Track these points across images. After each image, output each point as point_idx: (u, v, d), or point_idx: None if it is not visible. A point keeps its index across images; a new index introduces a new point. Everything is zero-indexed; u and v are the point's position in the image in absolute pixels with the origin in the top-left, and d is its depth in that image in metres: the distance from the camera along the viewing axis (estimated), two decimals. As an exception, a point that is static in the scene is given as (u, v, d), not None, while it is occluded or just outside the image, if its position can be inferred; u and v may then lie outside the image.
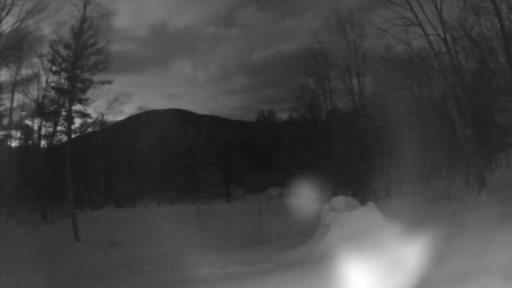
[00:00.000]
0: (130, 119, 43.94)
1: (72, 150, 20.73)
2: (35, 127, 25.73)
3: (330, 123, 28.78)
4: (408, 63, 22.05)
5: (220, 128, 38.40)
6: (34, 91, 24.03)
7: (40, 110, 24.52)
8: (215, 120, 45.91)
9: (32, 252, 12.71)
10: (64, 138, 24.10)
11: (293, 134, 31.29)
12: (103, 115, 25.45)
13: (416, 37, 18.83)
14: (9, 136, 24.93)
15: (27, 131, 26.61)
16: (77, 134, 25.79)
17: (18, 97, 23.41)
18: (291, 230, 15.96)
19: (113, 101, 24.04)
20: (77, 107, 24.09)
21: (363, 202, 13.30)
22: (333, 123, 28.24)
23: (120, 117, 30.40)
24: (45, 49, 22.51)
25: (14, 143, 26.60)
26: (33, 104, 24.26)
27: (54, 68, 24.04)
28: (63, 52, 23.11)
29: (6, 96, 22.47)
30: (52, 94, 24.52)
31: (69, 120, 22.31)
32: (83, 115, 25.20)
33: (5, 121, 23.29)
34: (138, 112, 49.84)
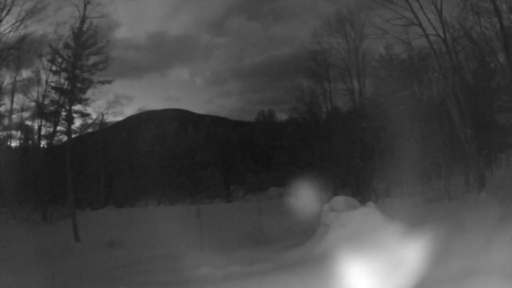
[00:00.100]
0: (130, 119, 43.87)
1: (72, 150, 20.75)
2: (35, 127, 25.75)
3: (330, 123, 28.77)
4: (408, 63, 22.08)
5: (220, 128, 38.35)
6: (34, 91, 24.08)
7: (40, 110, 24.51)
8: (215, 120, 45.86)
9: (32, 252, 12.69)
10: (64, 138, 24.11)
11: (293, 134, 31.25)
12: (103, 115, 25.48)
13: (416, 37, 18.90)
14: (9, 136, 24.94)
15: (27, 131, 26.60)
16: (77, 134, 25.79)
17: (18, 97, 23.47)
18: (291, 230, 15.96)
19: (113, 101, 24.08)
20: (77, 107, 24.13)
21: (363, 202, 13.28)
22: (333, 123, 28.24)
23: (120, 117, 30.34)
24: (45, 49, 22.51)
25: (14, 143, 26.63)
26: (33, 104, 24.29)
27: (54, 68, 24.04)
28: (63, 52, 23.12)
29: (6, 96, 22.49)
30: (52, 94, 24.55)
31: (69, 120, 22.32)
32: (83, 115, 25.23)
33: (5, 121, 23.31)
34: (138, 112, 49.80)
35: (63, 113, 24.19)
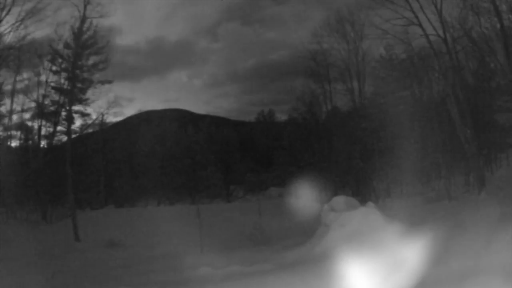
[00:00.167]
0: (130, 119, 43.83)
1: (72, 150, 20.74)
2: (35, 127, 25.73)
3: (330, 123, 28.77)
4: (408, 63, 22.08)
5: (220, 128, 38.33)
6: (34, 91, 24.07)
7: (40, 110, 24.51)
8: (215, 120, 45.80)
9: (32, 252, 12.72)
10: (64, 138, 24.09)
11: (293, 134, 31.24)
12: (103, 115, 25.47)
13: (416, 37, 18.91)
14: (9, 136, 24.93)
15: (27, 131, 26.57)
16: (77, 134, 25.78)
17: (18, 97, 23.45)
18: (291, 230, 15.97)
19: (113, 101, 24.07)
20: (77, 107, 24.14)
21: (363, 202, 13.28)
22: (333, 123, 28.23)
23: (120, 117, 30.28)
24: (45, 49, 22.48)
25: (14, 143, 26.60)
26: (33, 104, 24.28)
27: (54, 68, 24.03)
28: (63, 52, 23.13)
29: (6, 96, 22.48)
30: (52, 94, 24.54)
31: (69, 120, 22.33)
32: (83, 115, 25.23)
33: (5, 121, 23.30)
34: (138, 112, 49.78)
35: (63, 113, 24.21)
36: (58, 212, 22.70)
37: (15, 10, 18.15)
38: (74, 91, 22.39)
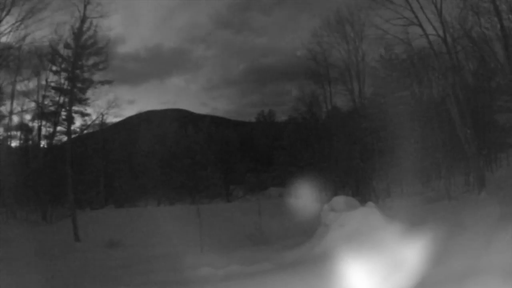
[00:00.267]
0: (130, 119, 43.86)
1: (72, 150, 20.74)
2: (35, 127, 25.73)
3: (330, 123, 28.78)
4: (408, 63, 22.07)
5: (220, 128, 38.38)
6: (34, 91, 24.07)
7: (40, 110, 24.52)
8: (215, 120, 45.87)
9: (32, 252, 12.71)
10: (64, 138, 24.11)
11: (293, 134, 31.26)
12: (103, 115, 25.47)
13: (416, 37, 18.87)
14: (9, 136, 24.93)
15: (27, 131, 26.59)
16: (77, 134, 25.77)
17: (18, 97, 23.45)
18: (291, 230, 15.98)
19: (113, 101, 24.06)
20: (77, 107, 24.14)
21: (363, 202, 13.27)
22: (333, 123, 28.25)
23: (120, 117, 30.31)
24: (45, 49, 22.48)
25: (14, 143, 26.61)
26: (33, 104, 24.28)
27: (54, 68, 24.06)
28: (63, 52, 23.14)
29: (6, 96, 22.47)
30: (52, 94, 24.54)
31: (69, 120, 22.33)
32: (83, 115, 25.24)
33: (5, 121, 23.30)
34: (138, 112, 49.93)
35: (63, 113, 24.21)
36: (58, 212, 22.71)
37: (15, 10, 18.18)
38: (74, 91, 22.39)
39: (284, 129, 34.05)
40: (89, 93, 23.63)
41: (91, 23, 21.07)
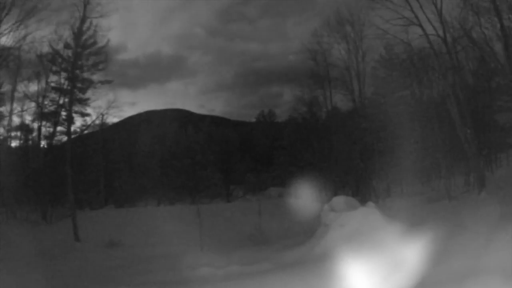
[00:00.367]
0: (130, 119, 43.85)
1: (72, 150, 20.73)
2: (35, 127, 25.72)
3: (330, 123, 28.76)
4: (408, 63, 22.05)
5: (220, 128, 38.39)
6: (34, 91, 24.05)
7: (40, 110, 24.50)
8: (215, 120, 45.90)
9: (32, 252, 12.70)
10: (64, 138, 24.07)
11: (293, 134, 31.25)
12: (103, 115, 25.46)
13: (416, 37, 18.85)
14: (9, 136, 24.91)
15: (27, 131, 26.58)
16: (77, 134, 25.77)
17: (18, 97, 23.43)
18: (291, 230, 15.98)
19: (113, 101, 24.04)
20: (77, 107, 24.12)
21: (363, 202, 13.30)
22: (333, 123, 28.22)
23: (120, 118, 30.31)
24: (45, 49, 22.47)
25: (14, 143, 26.60)
26: (33, 104, 24.26)
27: (54, 68, 24.00)
28: (63, 52, 23.10)
29: (6, 96, 22.46)
30: (52, 94, 24.52)
31: (69, 120, 22.31)
32: (83, 115, 25.22)
33: (5, 121, 23.29)
34: (138, 112, 49.92)
35: (63, 113, 24.18)
36: (58, 212, 22.69)
37: (15, 10, 18.14)
38: (74, 91, 22.37)
39: (284, 129, 34.04)
40: (89, 93, 23.60)
41: (91, 23, 21.08)
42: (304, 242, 11.19)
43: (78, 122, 25.30)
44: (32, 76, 23.38)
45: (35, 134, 25.97)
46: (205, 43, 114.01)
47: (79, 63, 22.05)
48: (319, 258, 8.71)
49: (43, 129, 25.24)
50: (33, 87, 23.91)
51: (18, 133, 26.33)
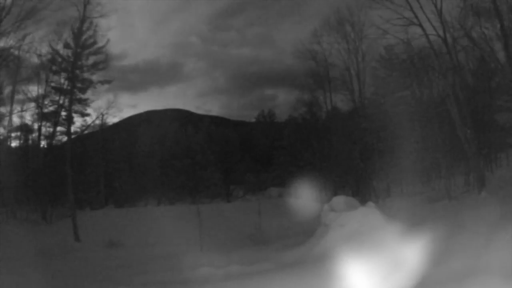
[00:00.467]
0: (130, 119, 43.89)
1: (72, 150, 20.75)
2: (35, 127, 25.73)
3: (330, 123, 28.76)
4: (408, 63, 22.03)
5: (220, 128, 38.36)
6: (34, 91, 24.05)
7: (40, 110, 24.51)
8: (215, 120, 45.87)
9: (32, 252, 12.71)
10: (64, 138, 24.09)
11: (293, 134, 31.25)
12: (103, 115, 25.48)
13: (416, 37, 18.85)
14: (9, 136, 24.92)
15: (27, 131, 26.58)
16: (77, 134, 25.78)
17: (18, 97, 23.43)
18: (291, 230, 16.00)
19: (112, 101, 24.07)
20: (77, 107, 24.13)
21: (363, 202, 13.29)
22: (333, 123, 28.22)
23: (120, 118, 30.32)
24: (45, 49, 22.48)
25: (14, 143, 26.60)
26: (33, 104, 24.27)
27: (54, 68, 24.02)
28: (63, 52, 23.13)
29: (6, 96, 22.46)
30: (52, 94, 24.52)
31: (69, 120, 22.32)
32: (83, 115, 25.24)
33: (5, 121, 23.28)
34: (138, 112, 49.99)
35: (63, 114, 24.19)
36: (58, 212, 22.70)
37: (15, 10, 18.12)
38: (74, 91, 22.39)
39: (284, 129, 34.03)
40: (89, 93, 23.67)
41: (91, 23, 21.11)
42: (304, 242, 11.19)
43: (78, 122, 25.41)
44: (32, 76, 23.40)
45: (35, 134, 26.03)
46: (200, 50, 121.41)
47: (79, 63, 22.10)
48: (319, 258, 8.71)
49: (43, 129, 25.31)
50: (33, 87, 23.96)
51: (18, 133, 26.37)
